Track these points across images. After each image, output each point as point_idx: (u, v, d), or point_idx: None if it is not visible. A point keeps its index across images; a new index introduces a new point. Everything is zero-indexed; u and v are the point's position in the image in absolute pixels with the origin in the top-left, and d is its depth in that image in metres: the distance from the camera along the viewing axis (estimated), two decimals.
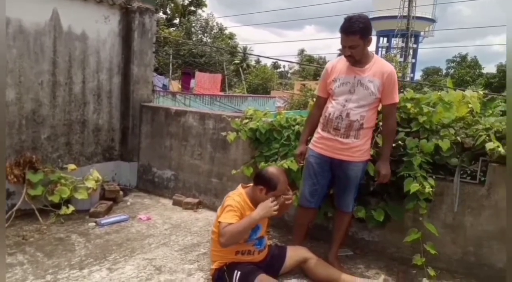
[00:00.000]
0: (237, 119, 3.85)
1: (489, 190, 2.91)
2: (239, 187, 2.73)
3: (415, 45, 47.31)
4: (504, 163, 2.78)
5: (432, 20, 47.69)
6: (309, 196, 2.98)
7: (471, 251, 3.00)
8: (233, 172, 3.78)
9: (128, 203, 4.30)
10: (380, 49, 51.92)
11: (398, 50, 44.74)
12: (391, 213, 3.10)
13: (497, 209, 2.89)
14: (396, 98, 2.79)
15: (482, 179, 2.95)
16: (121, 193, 4.35)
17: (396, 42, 46.87)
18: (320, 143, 2.88)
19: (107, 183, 4.37)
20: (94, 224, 3.67)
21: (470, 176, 3.00)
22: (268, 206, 2.52)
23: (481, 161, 2.94)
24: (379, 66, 2.75)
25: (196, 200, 4.26)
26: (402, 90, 3.46)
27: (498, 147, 2.71)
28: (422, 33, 48.04)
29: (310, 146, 2.98)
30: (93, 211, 3.85)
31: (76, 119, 4.20)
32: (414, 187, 2.80)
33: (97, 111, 4.42)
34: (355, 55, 2.69)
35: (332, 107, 2.80)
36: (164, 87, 22.76)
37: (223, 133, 3.82)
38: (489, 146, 2.73)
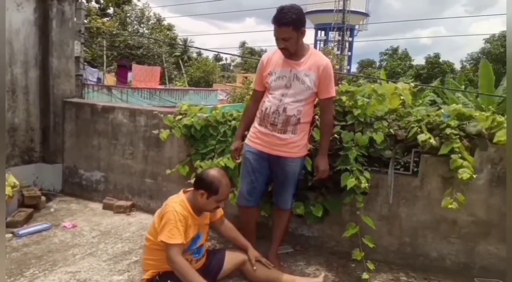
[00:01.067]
0: (170, 115, 3.62)
1: (422, 180, 2.96)
2: (181, 192, 2.52)
3: (350, 39, 48.97)
4: (435, 153, 2.85)
5: (365, 14, 49.63)
6: (247, 195, 2.84)
7: (407, 242, 3.04)
8: (168, 171, 3.56)
9: (52, 210, 3.92)
10: (318, 42, 53.21)
11: (335, 43, 46.09)
12: (329, 208, 3.06)
13: (430, 199, 2.95)
14: (333, 92, 2.73)
15: (415, 169, 3.00)
16: (43, 198, 3.95)
17: (333, 35, 48.23)
18: (257, 138, 2.76)
19: (26, 188, 3.95)
20: (11, 235, 3.28)
21: (403, 167, 3.04)
22: None
23: (413, 152, 2.99)
24: (315, 60, 2.67)
25: (129, 203, 3.98)
26: (339, 82, 3.43)
27: (429, 138, 2.74)
28: (357, 26, 49.85)
29: (246, 141, 2.85)
30: (10, 220, 3.44)
31: None
32: (350, 182, 2.77)
33: (11, 109, 3.96)
34: (289, 47, 2.58)
35: (268, 102, 2.70)
36: (99, 81, 21.62)
37: (155, 132, 3.57)
38: (421, 137, 2.77)
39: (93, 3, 34.10)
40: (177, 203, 2.40)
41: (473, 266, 2.90)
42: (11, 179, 3.59)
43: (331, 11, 42.81)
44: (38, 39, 4.15)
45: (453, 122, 2.83)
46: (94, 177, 4.26)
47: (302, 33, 2.59)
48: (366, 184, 2.75)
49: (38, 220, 3.63)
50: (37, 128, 4.24)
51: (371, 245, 2.78)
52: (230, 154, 3.08)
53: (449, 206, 2.63)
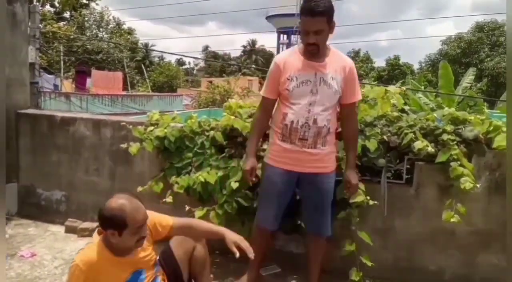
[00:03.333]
0: (140, 126, 3.27)
1: (417, 190, 2.79)
2: (95, 234, 2.08)
3: None
4: (430, 161, 2.68)
5: None
6: (274, 220, 2.52)
7: (403, 256, 2.86)
8: (140, 188, 3.19)
9: (7, 236, 3.45)
10: (281, 45, 53.55)
11: None
12: None
13: (426, 210, 2.77)
14: (359, 95, 2.44)
15: (406, 177, 2.82)
16: None
17: (296, 38, 48.65)
18: (282, 157, 2.39)
19: None
20: None
21: (394, 176, 2.87)
22: None
23: (406, 160, 2.81)
24: (338, 60, 2.34)
25: (95, 224, 3.57)
26: None
27: (426, 146, 2.57)
28: None
29: (268, 161, 2.47)
30: None
31: None
32: (343, 194, 2.56)
33: None
34: (320, 43, 2.22)
35: (293, 114, 2.31)
36: (56, 87, 20.57)
37: (123, 145, 3.20)
38: (418, 145, 2.59)
39: (48, 7, 32.75)
40: (87, 249, 1.99)
41: (473, 278, 2.75)
42: None
43: (293, 15, 43.11)
44: None
45: (449, 127, 2.68)
46: (55, 197, 3.81)
47: (332, 28, 2.24)
48: (365, 197, 2.54)
49: None
50: None
51: (369, 264, 2.57)
52: (242, 173, 2.66)
53: (451, 220, 2.46)
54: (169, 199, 3.03)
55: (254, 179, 2.51)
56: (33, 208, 3.89)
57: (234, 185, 2.77)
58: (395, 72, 40.67)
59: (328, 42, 2.31)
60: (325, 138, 2.34)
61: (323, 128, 2.31)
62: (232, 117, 3.06)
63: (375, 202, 2.62)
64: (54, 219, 3.79)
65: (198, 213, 2.90)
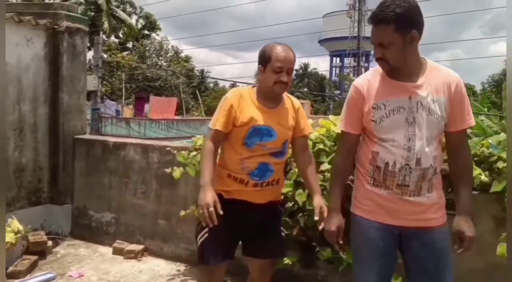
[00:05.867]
0: (184, 152, 3.35)
1: (472, 221, 2.56)
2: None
3: (366, 64, 48.95)
4: (485, 190, 2.47)
5: None
6: None
7: None
8: (182, 213, 3.23)
9: (59, 255, 3.63)
10: (334, 68, 53.41)
11: (351, 69, 46.09)
12: None
13: (482, 244, 2.53)
14: (472, 119, 1.85)
15: None
16: (49, 243, 3.67)
17: (349, 61, 48.32)
18: (376, 205, 1.82)
19: (32, 232, 3.68)
20: None
21: (447, 206, 2.67)
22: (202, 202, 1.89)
23: None
24: (440, 76, 1.79)
25: (140, 247, 3.66)
26: None
27: (480, 174, 2.39)
28: (372, 52, 49.90)
29: (357, 211, 1.89)
30: (12, 270, 3.16)
31: None
32: None
33: (19, 149, 3.76)
34: (388, 58, 1.73)
35: (387, 153, 1.77)
36: (118, 113, 21.89)
37: (167, 170, 3.29)
38: None
39: (113, 38, 35.30)
40: (238, 89, 2.23)
41: None
42: (14, 224, 3.34)
43: (346, 38, 43.05)
44: (48, 75, 4.00)
45: (505, 154, 2.47)
46: (104, 218, 3.98)
47: (413, 38, 1.70)
48: None
49: (43, 269, 3.34)
50: (45, 167, 4.02)
51: None
52: (328, 238, 2.04)
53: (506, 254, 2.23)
54: None
55: (341, 241, 1.93)
56: (84, 229, 4.08)
57: None
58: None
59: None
60: (431, 182, 1.80)
61: (429, 169, 1.75)
62: None
63: None
64: (104, 240, 3.94)
65: None
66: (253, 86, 2.20)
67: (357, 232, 1.89)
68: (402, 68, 1.76)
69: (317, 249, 2.60)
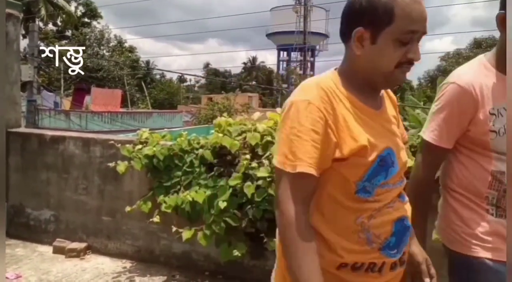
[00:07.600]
0: (128, 145, 3.25)
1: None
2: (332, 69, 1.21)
3: (312, 59, 50.04)
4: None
5: (325, 35, 50.98)
6: None
7: None
8: (128, 208, 3.14)
9: None
10: (281, 62, 54.08)
11: (298, 64, 46.94)
12: None
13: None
14: None
15: None
16: None
17: (296, 55, 49.13)
18: (504, 244, 1.32)
19: None
20: None
21: None
22: None
23: None
24: None
25: (83, 245, 3.51)
26: None
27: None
28: (317, 47, 51.06)
29: (478, 252, 1.36)
30: None
31: None
32: None
33: None
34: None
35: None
36: (56, 105, 20.73)
37: (111, 164, 3.17)
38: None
39: (51, 26, 33.22)
40: (313, 82, 1.13)
41: None
42: None
43: (292, 32, 43.66)
44: None
45: None
46: (43, 216, 3.76)
47: None
48: None
49: None
50: None
51: None
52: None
53: None
54: (156, 218, 2.98)
55: None
56: (22, 228, 3.83)
57: (222, 205, 2.72)
58: (393, 88, 40.89)
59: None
60: None
61: None
62: (221, 135, 3.03)
63: None
64: (43, 239, 3.72)
65: (186, 233, 2.84)
66: (335, 69, 1.19)
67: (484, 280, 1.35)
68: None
69: (265, 240, 2.65)
